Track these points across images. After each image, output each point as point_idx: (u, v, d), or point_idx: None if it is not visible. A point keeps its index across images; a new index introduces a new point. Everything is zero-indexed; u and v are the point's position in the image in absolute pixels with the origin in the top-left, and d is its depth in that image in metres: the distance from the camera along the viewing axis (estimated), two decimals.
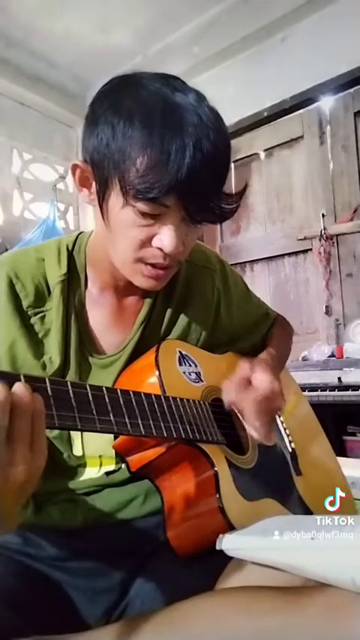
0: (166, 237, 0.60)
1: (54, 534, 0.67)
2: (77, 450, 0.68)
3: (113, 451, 0.67)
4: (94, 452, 0.68)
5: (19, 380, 0.43)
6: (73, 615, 0.63)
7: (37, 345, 0.66)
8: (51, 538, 0.66)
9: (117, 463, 0.68)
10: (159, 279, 0.66)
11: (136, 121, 0.56)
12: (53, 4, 2.43)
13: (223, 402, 0.68)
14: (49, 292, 0.69)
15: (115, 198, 0.60)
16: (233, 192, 0.63)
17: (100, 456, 0.68)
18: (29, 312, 0.67)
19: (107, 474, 0.68)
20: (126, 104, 0.57)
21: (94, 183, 0.63)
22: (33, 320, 0.67)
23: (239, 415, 0.68)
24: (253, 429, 0.67)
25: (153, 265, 0.64)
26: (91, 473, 0.68)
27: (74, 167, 0.64)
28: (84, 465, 0.68)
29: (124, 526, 0.67)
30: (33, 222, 2.92)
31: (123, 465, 0.68)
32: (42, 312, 0.68)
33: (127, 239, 0.62)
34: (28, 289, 0.68)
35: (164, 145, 0.55)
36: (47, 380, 0.45)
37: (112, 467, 0.68)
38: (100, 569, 0.66)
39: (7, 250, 2.45)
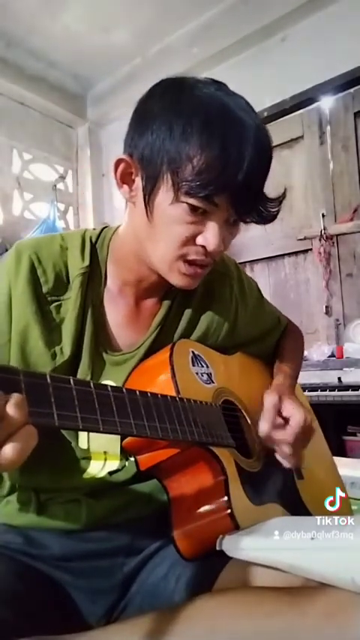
0: (210, 236, 0.62)
1: (56, 534, 0.66)
2: (82, 443, 0.67)
3: (118, 448, 0.67)
4: (99, 447, 0.67)
5: (47, 379, 0.42)
6: (74, 615, 0.63)
7: (50, 333, 0.66)
8: (53, 538, 0.66)
9: (121, 460, 0.68)
10: (195, 277, 0.67)
11: (195, 121, 0.58)
12: (53, 4, 2.43)
13: (261, 438, 0.70)
14: (69, 282, 0.69)
15: (165, 194, 0.61)
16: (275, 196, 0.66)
17: (104, 452, 0.68)
18: (48, 299, 0.67)
19: (110, 473, 0.68)
20: (184, 105, 0.59)
21: (137, 179, 0.64)
22: (50, 307, 0.67)
23: (276, 448, 0.71)
24: (286, 460, 0.71)
25: (193, 262, 0.65)
26: (95, 468, 0.67)
27: (119, 161, 0.65)
28: (88, 459, 0.68)
29: (126, 526, 0.67)
30: (33, 222, 2.92)
31: (126, 464, 0.68)
32: (59, 300, 0.68)
33: (172, 235, 0.63)
34: (49, 275, 0.67)
35: (225, 145, 0.57)
36: (72, 380, 0.45)
37: (115, 464, 0.68)
38: (102, 570, 0.66)
39: (6, 251, 2.45)
